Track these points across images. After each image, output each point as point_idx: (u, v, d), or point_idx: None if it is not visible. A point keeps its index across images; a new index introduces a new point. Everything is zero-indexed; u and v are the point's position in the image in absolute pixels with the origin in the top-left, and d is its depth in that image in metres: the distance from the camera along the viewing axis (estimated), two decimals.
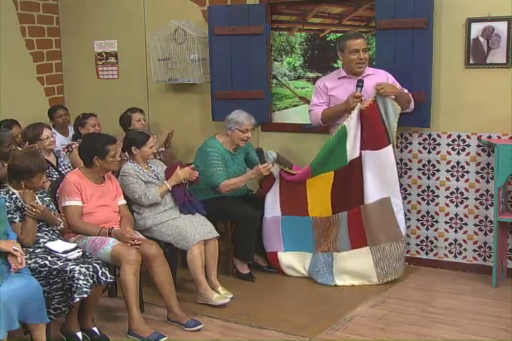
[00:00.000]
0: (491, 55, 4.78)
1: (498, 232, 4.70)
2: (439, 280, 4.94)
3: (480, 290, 4.72)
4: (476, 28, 4.77)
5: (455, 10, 4.83)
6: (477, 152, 4.96)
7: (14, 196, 4.00)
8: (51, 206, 4.18)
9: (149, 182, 4.67)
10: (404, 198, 5.22)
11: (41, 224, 4.04)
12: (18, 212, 3.97)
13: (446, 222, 5.14)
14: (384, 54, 5.01)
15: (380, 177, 4.72)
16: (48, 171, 4.61)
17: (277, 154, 4.96)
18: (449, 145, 5.04)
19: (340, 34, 5.28)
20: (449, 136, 5.03)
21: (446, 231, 5.15)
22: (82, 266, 3.78)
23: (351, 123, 4.70)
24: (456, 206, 5.08)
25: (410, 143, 5.17)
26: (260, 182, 5.10)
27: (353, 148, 4.75)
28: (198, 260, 4.53)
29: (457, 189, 5.06)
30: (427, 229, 5.20)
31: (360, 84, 4.72)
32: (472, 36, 4.80)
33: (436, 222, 5.18)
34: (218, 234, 4.72)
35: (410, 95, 4.82)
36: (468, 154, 4.99)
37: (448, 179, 5.08)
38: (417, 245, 5.25)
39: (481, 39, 4.78)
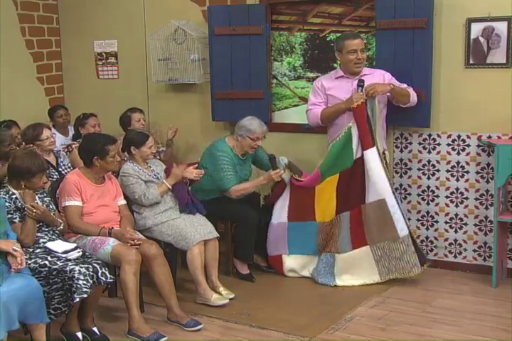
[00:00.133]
0: (491, 55, 4.78)
1: (498, 232, 4.70)
2: (439, 280, 4.94)
3: (480, 290, 4.72)
4: (476, 28, 4.77)
5: (455, 10, 4.83)
6: (477, 152, 4.96)
7: (14, 196, 4.00)
8: (51, 206, 4.18)
9: (149, 181, 4.67)
10: (404, 198, 5.23)
11: (41, 224, 4.04)
12: (17, 212, 3.97)
13: (446, 222, 5.14)
14: (384, 54, 5.01)
15: (372, 179, 4.73)
16: (48, 171, 4.61)
17: (289, 161, 4.93)
18: (449, 145, 5.04)
19: (340, 34, 5.29)
20: (449, 136, 5.03)
21: (446, 231, 5.15)
22: (82, 266, 3.78)
23: (355, 124, 4.73)
24: (456, 206, 5.08)
25: (410, 143, 5.17)
26: (272, 188, 5.08)
27: (357, 148, 4.77)
28: (197, 260, 4.53)
29: (457, 189, 5.06)
30: (427, 229, 5.20)
31: (361, 84, 4.73)
32: (472, 36, 4.80)
33: (436, 222, 5.18)
34: (218, 235, 4.72)
35: (411, 89, 4.80)
36: (468, 154, 4.99)
37: (448, 179, 5.08)
38: None
39: (481, 39, 4.78)
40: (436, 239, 5.19)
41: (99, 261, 3.92)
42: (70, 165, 5.10)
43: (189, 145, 6.05)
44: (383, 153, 4.81)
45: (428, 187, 5.16)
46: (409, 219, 5.21)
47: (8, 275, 3.55)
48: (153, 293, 4.44)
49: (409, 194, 5.23)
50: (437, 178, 5.12)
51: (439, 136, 5.07)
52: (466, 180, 5.02)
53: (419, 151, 5.15)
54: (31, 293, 3.57)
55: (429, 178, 5.15)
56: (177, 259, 4.77)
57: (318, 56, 5.50)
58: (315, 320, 4.27)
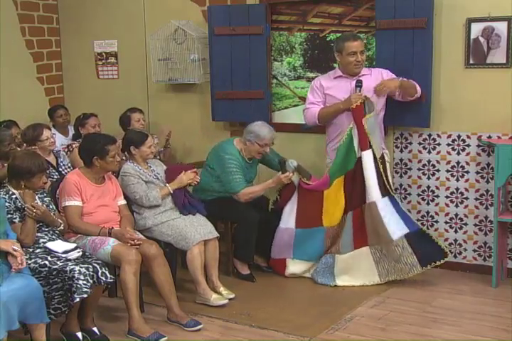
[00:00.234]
0: (491, 55, 4.78)
1: (498, 232, 4.70)
2: (439, 280, 4.94)
3: (480, 290, 4.72)
4: (476, 28, 4.77)
5: (455, 10, 4.83)
6: (477, 152, 4.96)
7: (14, 196, 4.00)
8: (51, 206, 4.18)
9: (150, 181, 4.67)
10: (404, 198, 5.23)
11: (41, 224, 4.03)
12: (17, 213, 3.97)
13: (446, 222, 5.14)
14: (384, 54, 5.01)
15: (367, 180, 4.73)
16: (48, 171, 4.61)
17: (298, 164, 4.89)
18: (449, 145, 5.04)
19: (340, 34, 5.29)
20: (449, 136, 5.03)
21: (446, 231, 5.15)
22: (82, 266, 3.78)
23: (355, 125, 4.73)
24: (456, 206, 5.08)
25: (410, 143, 5.17)
26: (279, 192, 5.04)
27: (358, 148, 4.77)
28: (197, 260, 4.53)
29: (457, 189, 5.06)
30: (427, 229, 5.19)
31: (359, 84, 4.73)
32: (472, 36, 4.80)
33: (436, 222, 5.17)
34: (218, 235, 4.72)
35: (411, 80, 4.79)
36: (468, 154, 4.99)
37: (448, 179, 5.08)
38: None
39: (481, 39, 4.78)
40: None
41: (99, 261, 3.92)
42: (70, 165, 5.10)
43: (189, 145, 6.05)
44: (380, 157, 4.77)
45: (428, 187, 5.16)
46: None
47: (8, 275, 3.55)
48: (153, 293, 4.44)
49: (409, 194, 5.23)
50: (437, 178, 5.12)
51: (439, 136, 5.07)
52: (466, 180, 5.02)
53: (419, 151, 5.15)
54: (31, 293, 3.57)
55: (429, 178, 5.15)
56: (177, 259, 4.77)
57: (318, 56, 5.50)
58: (315, 320, 4.27)
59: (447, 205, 5.11)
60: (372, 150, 4.70)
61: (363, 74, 4.84)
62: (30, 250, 3.90)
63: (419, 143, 5.14)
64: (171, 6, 5.94)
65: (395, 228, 4.70)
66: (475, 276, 4.98)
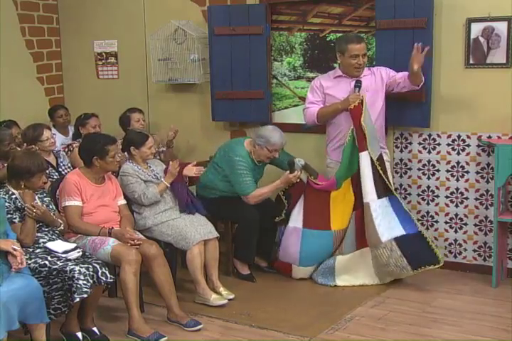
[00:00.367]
0: (491, 55, 4.78)
1: (498, 232, 4.70)
2: (439, 280, 4.94)
3: (480, 290, 4.72)
4: (476, 28, 4.77)
5: (455, 10, 4.83)
6: (477, 152, 4.96)
7: (14, 196, 4.00)
8: (51, 206, 4.18)
9: (149, 181, 4.67)
10: (404, 198, 5.23)
11: (41, 224, 4.03)
12: (17, 213, 3.97)
13: (446, 222, 5.14)
14: (384, 54, 5.01)
15: (363, 181, 4.73)
16: (47, 172, 4.61)
17: (305, 162, 4.86)
18: (449, 145, 5.04)
19: (341, 34, 5.29)
20: (449, 136, 5.03)
21: (446, 231, 5.15)
22: (82, 266, 3.78)
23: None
24: (456, 206, 5.08)
25: (410, 143, 5.17)
26: (284, 192, 4.98)
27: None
28: (197, 260, 4.53)
29: (457, 189, 5.06)
30: (427, 229, 5.19)
31: (358, 84, 4.73)
32: (472, 36, 4.80)
33: (436, 222, 5.17)
34: (218, 235, 4.72)
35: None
36: (468, 154, 4.99)
37: (448, 179, 5.08)
38: None
39: (481, 39, 4.78)
40: (436, 239, 5.17)
41: (99, 261, 3.92)
42: (69, 165, 5.10)
43: (189, 145, 6.05)
44: (378, 158, 4.73)
45: (428, 187, 5.16)
46: None
47: (8, 275, 3.55)
48: (153, 293, 4.44)
49: (409, 194, 5.23)
50: (437, 178, 5.12)
51: (439, 136, 5.07)
52: (466, 180, 5.02)
53: (419, 151, 5.15)
54: (31, 293, 3.57)
55: (429, 178, 5.15)
56: (177, 259, 4.77)
57: (318, 56, 5.50)
58: (315, 320, 4.27)
59: (447, 205, 5.11)
60: (369, 152, 4.69)
61: (363, 76, 4.83)
62: (30, 250, 3.90)
63: (419, 143, 5.14)
64: (171, 6, 5.94)
65: (385, 230, 4.66)
66: (475, 276, 4.98)
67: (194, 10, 5.84)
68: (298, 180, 4.87)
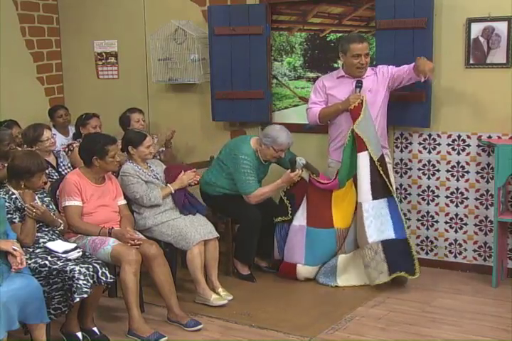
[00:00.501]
0: (491, 55, 4.78)
1: (498, 232, 4.70)
2: (439, 280, 4.94)
3: (480, 290, 4.72)
4: (476, 28, 4.77)
5: (455, 10, 4.83)
6: (477, 152, 4.96)
7: (14, 196, 4.00)
8: (51, 206, 4.18)
9: (149, 181, 4.67)
10: (404, 198, 5.23)
11: (41, 224, 4.03)
12: (17, 212, 3.97)
13: (446, 222, 5.14)
14: (384, 54, 5.00)
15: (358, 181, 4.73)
16: (47, 172, 4.61)
17: (306, 161, 4.86)
18: (449, 145, 5.04)
19: (341, 34, 5.30)
20: (449, 136, 5.03)
21: (446, 231, 5.15)
22: (82, 266, 3.78)
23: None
24: (456, 206, 5.08)
25: (410, 143, 5.17)
26: (285, 192, 4.96)
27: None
28: (197, 260, 4.53)
29: (457, 189, 5.06)
30: (427, 229, 5.20)
31: (359, 84, 4.73)
32: (472, 36, 4.80)
33: (436, 221, 5.17)
34: (218, 235, 4.72)
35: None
36: (468, 154, 4.99)
37: (448, 179, 5.08)
38: (417, 245, 5.24)
39: (481, 39, 4.78)
40: (436, 239, 5.19)
41: (100, 261, 3.92)
42: (69, 165, 5.10)
43: (189, 145, 6.05)
44: (380, 159, 4.71)
45: (428, 187, 5.16)
46: (409, 219, 5.22)
47: (8, 275, 3.55)
48: (153, 293, 4.44)
49: (409, 194, 5.23)
50: (437, 178, 5.12)
51: (439, 136, 5.07)
52: (466, 180, 5.02)
53: (419, 151, 5.15)
54: (31, 293, 3.57)
55: (429, 178, 5.15)
56: (177, 259, 4.77)
57: (318, 56, 5.50)
58: (315, 320, 4.27)
59: (447, 205, 5.11)
60: (369, 153, 4.69)
61: (366, 76, 4.82)
62: (30, 250, 3.90)
63: (419, 143, 5.14)
64: (171, 6, 5.94)
65: (374, 232, 4.66)
66: (475, 276, 4.98)
67: (194, 10, 5.84)
68: (299, 179, 4.87)
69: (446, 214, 5.13)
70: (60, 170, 4.99)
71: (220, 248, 4.77)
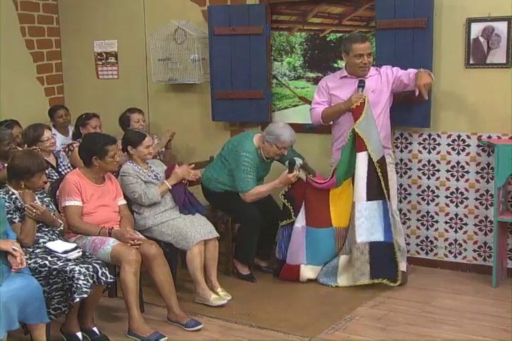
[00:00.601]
0: (491, 55, 4.78)
1: (498, 232, 4.70)
2: (439, 280, 4.94)
3: (480, 290, 4.72)
4: (476, 28, 4.77)
5: (455, 10, 4.83)
6: (477, 152, 4.96)
7: (14, 196, 4.00)
8: (51, 206, 4.18)
9: (149, 182, 4.67)
10: (404, 198, 5.23)
11: (41, 224, 4.03)
12: (17, 213, 3.97)
13: (446, 222, 5.14)
14: (384, 54, 5.00)
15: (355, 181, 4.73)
16: (47, 172, 4.62)
17: (304, 162, 4.86)
18: (449, 145, 5.04)
19: (341, 34, 5.30)
20: (449, 136, 5.03)
21: (446, 231, 5.15)
22: (82, 266, 3.78)
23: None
24: (456, 206, 5.08)
25: (410, 143, 5.17)
26: (285, 193, 4.93)
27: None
28: (197, 260, 4.53)
29: (457, 189, 5.06)
30: (427, 229, 5.20)
31: (361, 84, 4.73)
32: (472, 36, 4.80)
33: (436, 222, 5.17)
34: (218, 235, 4.72)
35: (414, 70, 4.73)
36: (468, 154, 4.99)
37: (448, 179, 5.08)
38: (417, 245, 5.24)
39: (481, 39, 4.78)
40: (436, 239, 5.19)
41: (99, 261, 3.92)
42: (69, 165, 5.10)
43: (189, 145, 6.05)
44: (380, 160, 4.69)
45: (428, 187, 5.16)
46: (409, 219, 5.22)
47: (8, 275, 3.55)
48: (153, 293, 4.44)
49: (409, 194, 5.23)
50: (437, 178, 5.12)
51: (439, 136, 5.07)
52: (466, 180, 5.02)
53: (419, 151, 5.15)
54: (31, 293, 3.57)
55: (429, 178, 5.15)
56: (177, 259, 4.77)
57: (318, 56, 5.50)
58: (315, 320, 4.27)
59: (447, 205, 5.11)
60: (368, 153, 4.68)
61: (370, 76, 4.82)
62: (30, 250, 3.90)
63: (419, 143, 5.14)
64: (171, 6, 5.94)
65: (364, 232, 4.67)
66: (475, 276, 4.98)
67: (194, 10, 5.84)
68: (296, 180, 4.87)
69: (446, 214, 5.13)
70: (60, 170, 4.99)
71: (220, 248, 4.77)
